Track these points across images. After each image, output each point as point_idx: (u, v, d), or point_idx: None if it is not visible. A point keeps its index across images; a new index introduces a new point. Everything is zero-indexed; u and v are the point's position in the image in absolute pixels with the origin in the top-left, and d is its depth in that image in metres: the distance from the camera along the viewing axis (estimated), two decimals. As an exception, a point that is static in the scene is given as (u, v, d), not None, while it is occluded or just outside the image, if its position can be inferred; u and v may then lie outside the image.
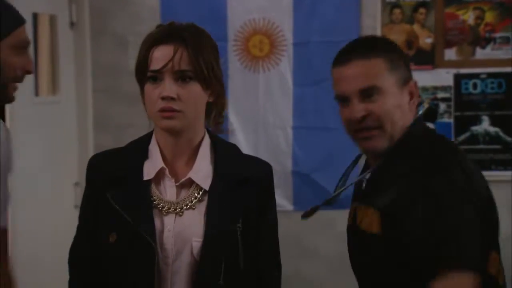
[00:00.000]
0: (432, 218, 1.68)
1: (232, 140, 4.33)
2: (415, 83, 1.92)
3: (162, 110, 1.78)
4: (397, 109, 1.85)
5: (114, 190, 1.82)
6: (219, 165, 1.87)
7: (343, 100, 1.92)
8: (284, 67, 4.35)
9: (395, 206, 1.75)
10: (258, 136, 4.39)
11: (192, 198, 1.84)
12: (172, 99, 1.77)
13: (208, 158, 1.88)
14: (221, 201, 1.83)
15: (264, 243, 1.92)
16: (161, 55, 1.79)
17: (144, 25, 4.36)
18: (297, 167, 4.35)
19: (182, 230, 1.81)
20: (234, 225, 1.83)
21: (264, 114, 4.38)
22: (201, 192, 1.85)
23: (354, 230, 1.95)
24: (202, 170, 1.86)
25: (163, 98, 1.78)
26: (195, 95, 1.81)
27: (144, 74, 1.81)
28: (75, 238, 1.93)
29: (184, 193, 1.84)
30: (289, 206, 4.38)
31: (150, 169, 1.85)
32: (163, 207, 1.82)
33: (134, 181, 1.83)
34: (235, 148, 1.98)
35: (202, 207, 1.83)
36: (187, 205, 1.83)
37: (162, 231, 1.81)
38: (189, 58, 1.79)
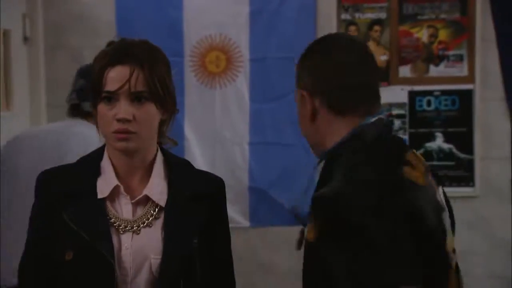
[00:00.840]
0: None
1: (188, 155, 4.32)
2: (301, 93, 1.77)
3: (117, 131, 1.76)
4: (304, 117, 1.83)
5: (69, 207, 1.78)
6: (174, 182, 1.86)
7: None
8: (241, 83, 4.36)
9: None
10: (215, 151, 4.38)
11: (149, 216, 1.83)
12: (128, 121, 1.75)
13: (162, 174, 1.87)
14: (177, 218, 1.83)
15: (218, 257, 1.94)
16: (116, 76, 1.75)
17: (100, 39, 4.31)
18: (253, 183, 4.35)
19: (140, 248, 1.80)
20: (191, 241, 1.83)
21: (220, 130, 4.37)
22: (157, 209, 1.83)
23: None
24: (157, 187, 1.84)
25: (118, 120, 1.75)
26: (150, 116, 1.79)
27: (99, 94, 1.77)
28: (25, 256, 1.87)
29: (140, 211, 1.83)
30: (245, 223, 4.37)
31: (104, 186, 1.82)
32: (119, 225, 1.80)
33: (89, 198, 1.80)
34: (187, 164, 1.97)
35: (158, 224, 1.82)
36: (144, 223, 1.82)
37: (120, 249, 1.78)
38: (144, 79, 1.76)
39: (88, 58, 4.01)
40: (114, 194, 1.82)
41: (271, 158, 4.33)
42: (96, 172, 1.83)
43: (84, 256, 1.76)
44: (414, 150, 1.78)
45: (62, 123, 2.90)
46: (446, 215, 1.72)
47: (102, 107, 1.77)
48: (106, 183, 1.82)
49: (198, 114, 4.36)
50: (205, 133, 4.37)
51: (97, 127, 1.84)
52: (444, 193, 1.80)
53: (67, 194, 1.80)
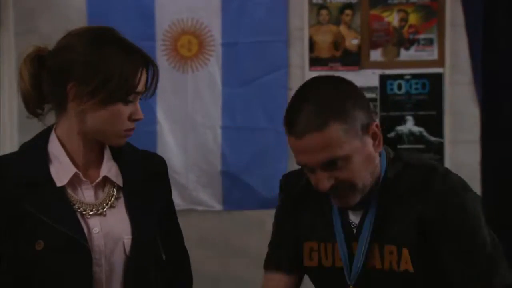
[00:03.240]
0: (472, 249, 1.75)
1: (160, 139, 4.33)
2: (377, 124, 1.84)
3: (129, 130, 1.84)
4: (364, 162, 1.77)
5: (28, 196, 1.76)
6: (123, 162, 1.92)
7: (306, 167, 1.81)
8: (213, 67, 4.36)
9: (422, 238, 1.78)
10: (187, 136, 4.38)
11: (110, 197, 1.86)
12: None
13: (111, 156, 1.91)
14: (137, 196, 1.88)
15: (173, 231, 2.02)
16: (144, 79, 1.83)
17: (71, 25, 4.28)
18: (226, 167, 4.36)
19: (111, 230, 1.82)
20: (154, 218, 1.90)
21: (192, 114, 4.37)
22: (115, 190, 1.87)
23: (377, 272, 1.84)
24: (112, 168, 1.89)
25: (134, 120, 1.84)
26: None
27: (128, 93, 1.80)
28: None
29: (101, 194, 1.85)
30: (218, 206, 4.38)
31: (61, 174, 1.82)
32: (85, 209, 1.82)
33: (47, 186, 1.79)
34: (129, 144, 1.99)
35: (121, 204, 1.86)
36: (107, 204, 1.85)
37: (90, 233, 1.80)
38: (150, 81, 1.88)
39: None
40: (72, 181, 1.83)
41: (243, 142, 4.34)
42: (46, 159, 1.82)
43: (56, 244, 1.75)
44: None
45: None
46: None
47: (120, 106, 1.80)
48: (63, 171, 1.82)
49: (170, 98, 4.36)
50: (177, 118, 4.37)
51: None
52: None
53: (22, 184, 1.77)
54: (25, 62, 1.83)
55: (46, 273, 1.75)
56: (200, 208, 4.37)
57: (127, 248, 1.82)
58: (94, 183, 1.85)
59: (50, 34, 4.13)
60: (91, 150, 1.86)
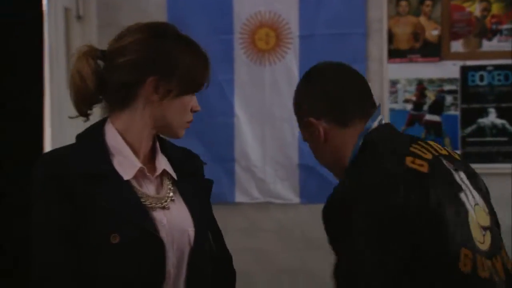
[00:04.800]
0: None
1: (238, 132, 4.35)
2: (310, 120, 1.99)
3: (190, 122, 1.90)
4: (317, 149, 2.03)
5: (99, 189, 1.75)
6: (170, 156, 1.94)
7: None
8: (290, 60, 4.35)
9: None
10: (264, 129, 4.39)
11: (169, 190, 1.88)
12: None
13: (159, 149, 1.94)
14: (190, 189, 1.92)
15: (216, 227, 2.04)
16: (207, 70, 1.92)
17: (150, 18, 4.35)
18: (303, 160, 4.34)
19: (176, 222, 1.84)
20: (206, 213, 1.95)
21: (270, 107, 4.37)
22: (171, 184, 1.89)
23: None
24: (166, 162, 1.91)
25: (194, 111, 1.90)
26: None
27: (199, 85, 1.89)
28: (48, 252, 1.74)
29: (160, 187, 1.87)
30: (295, 199, 4.38)
31: (125, 168, 1.81)
32: (150, 203, 1.83)
33: (115, 180, 1.79)
34: (166, 139, 2.01)
35: (179, 198, 1.89)
36: (169, 198, 1.86)
37: (157, 226, 1.81)
38: None
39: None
40: (136, 174, 1.84)
41: (320, 135, 4.32)
42: (108, 153, 1.82)
43: (132, 237, 1.74)
44: (421, 141, 1.90)
45: None
46: (465, 194, 1.83)
47: (188, 98, 1.87)
48: (127, 164, 1.82)
49: (247, 91, 4.38)
50: (254, 110, 4.38)
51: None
52: (470, 174, 1.91)
53: (88, 176, 1.75)
54: (86, 60, 1.83)
55: (121, 266, 1.74)
56: (277, 201, 4.38)
57: (192, 240, 1.84)
58: (155, 176, 1.87)
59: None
60: (148, 143, 1.88)
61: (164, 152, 1.93)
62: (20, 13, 2.82)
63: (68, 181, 1.73)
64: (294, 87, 4.40)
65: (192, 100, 1.87)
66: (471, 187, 1.87)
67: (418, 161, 1.80)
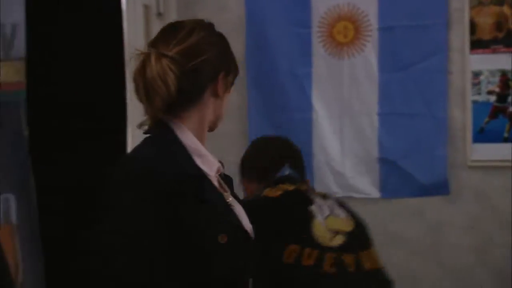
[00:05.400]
0: None
1: (316, 126, 4.35)
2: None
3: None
4: None
5: (195, 190, 1.70)
6: None
7: None
8: (369, 53, 4.30)
9: None
10: (343, 123, 4.36)
11: (227, 188, 1.91)
12: None
13: None
14: (231, 187, 1.95)
15: None
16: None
17: (231, 14, 4.39)
18: (383, 154, 4.30)
19: (244, 220, 1.85)
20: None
21: (349, 101, 4.34)
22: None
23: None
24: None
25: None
26: None
27: (235, 78, 1.94)
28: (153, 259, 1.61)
29: (222, 186, 1.89)
30: (376, 193, 4.34)
31: (206, 167, 1.80)
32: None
33: (205, 180, 1.77)
34: None
35: (230, 196, 1.89)
36: (229, 196, 1.88)
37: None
38: None
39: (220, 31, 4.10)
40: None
41: (400, 129, 4.27)
42: (189, 154, 1.79)
43: (237, 237, 1.74)
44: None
45: None
46: (317, 207, 2.56)
47: (227, 95, 1.93)
48: (207, 164, 1.81)
49: (326, 85, 4.35)
50: (333, 104, 4.35)
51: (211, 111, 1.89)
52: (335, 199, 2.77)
53: (180, 178, 1.69)
54: (165, 63, 1.75)
55: (227, 267, 1.70)
56: (357, 195, 4.34)
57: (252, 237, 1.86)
58: (218, 175, 1.89)
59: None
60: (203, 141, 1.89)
61: None
62: (98, 11, 2.87)
63: (166, 185, 1.65)
64: (373, 80, 4.42)
65: (227, 95, 1.94)
66: (326, 205, 2.56)
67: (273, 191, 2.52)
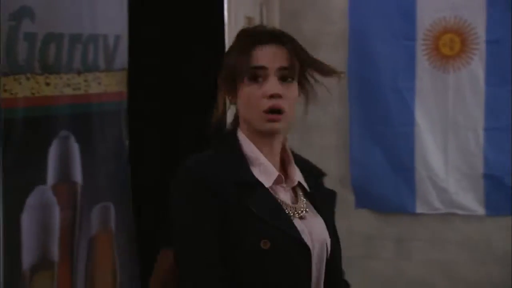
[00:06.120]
0: None
1: (418, 141, 4.29)
2: None
3: (271, 109, 1.76)
4: None
5: (246, 196, 1.74)
6: (300, 165, 1.89)
7: None
8: (476, 66, 4.21)
9: None
10: (447, 137, 4.27)
11: (305, 201, 1.86)
12: (280, 96, 1.76)
13: (292, 159, 1.88)
14: (321, 201, 1.89)
15: (337, 236, 1.95)
16: (265, 53, 1.78)
17: (334, 26, 4.38)
18: (489, 170, 4.20)
19: (317, 232, 1.82)
20: (333, 221, 1.91)
21: (453, 115, 4.25)
22: (303, 195, 1.86)
23: None
24: (298, 173, 1.87)
25: (270, 96, 1.76)
26: (295, 96, 1.81)
27: (244, 72, 1.77)
28: (197, 263, 1.74)
29: (295, 197, 1.85)
30: (480, 210, 4.24)
31: (264, 176, 1.80)
32: (288, 212, 1.81)
33: (259, 188, 1.78)
34: (296, 153, 1.95)
35: (311, 208, 1.86)
36: (303, 208, 1.84)
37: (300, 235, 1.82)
38: (291, 58, 1.79)
39: (323, 44, 4.10)
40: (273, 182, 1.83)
41: (507, 144, 4.16)
42: (247, 162, 1.80)
43: (282, 243, 1.75)
44: None
45: None
46: None
47: (247, 87, 1.78)
48: (266, 173, 1.80)
49: (429, 99, 4.28)
50: (436, 119, 4.27)
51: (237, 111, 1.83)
52: None
53: (234, 184, 1.75)
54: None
55: (270, 272, 1.74)
56: (461, 212, 4.26)
57: (329, 251, 1.83)
58: (290, 187, 1.85)
59: (313, 35, 4.30)
60: (270, 146, 1.83)
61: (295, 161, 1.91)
62: (200, 23, 2.91)
63: (217, 187, 1.72)
64: (479, 94, 4.32)
65: (258, 87, 1.76)
66: None
67: None
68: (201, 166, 1.76)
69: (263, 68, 1.76)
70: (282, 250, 1.74)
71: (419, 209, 4.31)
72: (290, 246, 1.76)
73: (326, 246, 1.83)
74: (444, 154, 4.25)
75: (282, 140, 1.85)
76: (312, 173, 1.93)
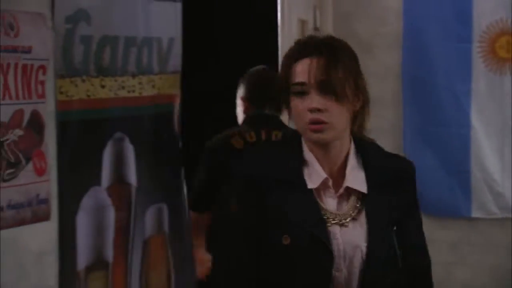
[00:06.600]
0: None
1: (474, 145, 4.23)
2: None
3: (311, 122, 1.81)
4: None
5: (283, 192, 1.84)
6: (369, 170, 1.90)
7: None
8: (534, 69, 4.15)
9: None
10: (503, 140, 4.21)
11: (354, 209, 1.87)
12: (319, 110, 1.80)
13: (357, 165, 1.90)
14: (378, 206, 1.88)
15: (414, 241, 1.96)
16: (302, 69, 1.82)
17: (388, 27, 4.34)
18: (546, 174, 4.13)
19: (350, 238, 1.85)
20: (391, 227, 1.89)
21: (510, 118, 4.19)
22: (359, 202, 1.88)
23: None
24: (356, 178, 1.88)
25: (310, 111, 1.81)
26: (341, 106, 1.83)
27: (288, 88, 1.85)
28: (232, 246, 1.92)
29: (344, 204, 1.88)
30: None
31: (312, 178, 1.86)
32: (328, 217, 1.85)
33: (300, 187, 1.85)
34: (376, 146, 1.97)
35: (362, 215, 1.87)
36: (350, 216, 1.86)
37: (330, 239, 1.84)
38: (328, 71, 1.81)
39: (377, 46, 4.08)
40: (320, 186, 1.86)
41: None
42: (300, 162, 1.87)
43: (302, 241, 1.81)
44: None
45: None
46: None
47: (295, 101, 1.84)
48: (315, 175, 1.86)
49: (485, 101, 4.22)
50: (493, 122, 4.22)
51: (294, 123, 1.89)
52: None
53: (278, 179, 1.85)
54: None
55: (290, 268, 1.82)
56: (517, 217, 4.19)
57: (364, 255, 1.84)
58: (337, 194, 1.87)
59: (367, 36, 4.27)
60: (326, 154, 1.87)
61: (365, 163, 1.92)
62: (254, 25, 2.92)
63: (260, 182, 1.84)
64: (537, 98, 4.22)
65: (302, 101, 1.82)
66: None
67: None
68: (253, 165, 1.89)
69: (302, 84, 1.82)
70: (302, 248, 1.81)
71: (474, 214, 4.25)
72: (311, 247, 1.81)
73: (361, 250, 1.84)
74: (501, 158, 4.19)
75: (349, 145, 1.90)
76: (393, 171, 1.93)
